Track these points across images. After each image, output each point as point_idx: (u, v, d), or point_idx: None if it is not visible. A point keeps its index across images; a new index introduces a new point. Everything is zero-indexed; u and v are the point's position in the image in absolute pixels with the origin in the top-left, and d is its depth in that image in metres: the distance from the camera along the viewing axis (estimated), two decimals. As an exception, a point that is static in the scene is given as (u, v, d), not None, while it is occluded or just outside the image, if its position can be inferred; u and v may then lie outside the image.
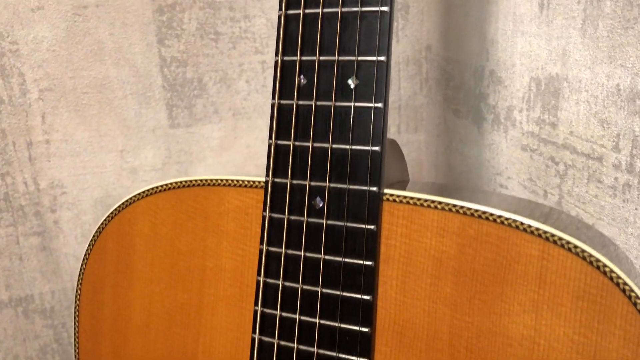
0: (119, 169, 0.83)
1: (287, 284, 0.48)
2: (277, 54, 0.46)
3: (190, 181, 0.54)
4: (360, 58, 0.42)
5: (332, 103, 0.43)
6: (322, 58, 0.44)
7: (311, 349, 0.47)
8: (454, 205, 0.44)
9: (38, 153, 0.79)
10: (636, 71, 0.54)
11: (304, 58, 0.44)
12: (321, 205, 0.45)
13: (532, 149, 0.71)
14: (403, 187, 0.52)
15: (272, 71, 0.86)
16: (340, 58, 0.43)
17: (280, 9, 0.45)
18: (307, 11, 0.44)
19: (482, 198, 0.59)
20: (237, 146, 0.88)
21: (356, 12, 0.42)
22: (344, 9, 0.43)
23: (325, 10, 0.43)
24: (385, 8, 0.41)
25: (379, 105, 0.42)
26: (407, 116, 0.95)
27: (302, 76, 0.44)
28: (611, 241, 0.48)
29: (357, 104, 0.43)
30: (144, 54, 0.80)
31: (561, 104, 0.65)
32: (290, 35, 0.45)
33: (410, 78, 0.94)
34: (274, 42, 0.83)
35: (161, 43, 0.80)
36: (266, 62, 0.85)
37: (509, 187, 0.77)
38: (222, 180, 0.52)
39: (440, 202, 0.44)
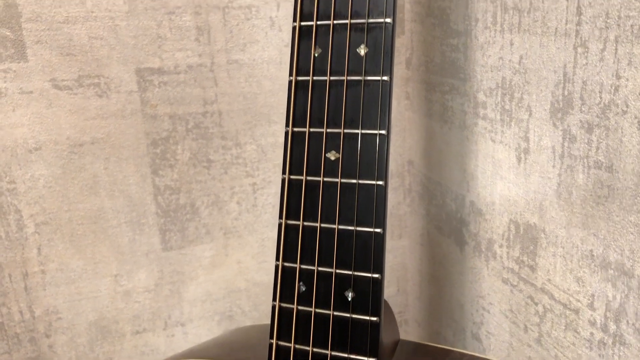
0: (112, 292, 0.85)
1: None
2: (277, 259, 0.49)
3: None
4: (356, 273, 0.46)
5: (330, 312, 0.47)
6: (320, 269, 0.47)
7: None
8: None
9: (34, 283, 0.81)
10: (608, 243, 0.58)
11: (303, 266, 0.48)
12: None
13: (512, 284, 0.75)
14: (393, 349, 0.55)
15: (262, 192, 0.89)
16: (338, 271, 0.46)
17: (280, 217, 0.48)
18: (306, 223, 0.47)
19: None
20: (228, 263, 0.90)
21: (352, 230, 0.46)
22: (340, 227, 0.46)
23: (323, 225, 0.46)
24: (379, 230, 0.45)
25: (375, 319, 0.45)
26: (392, 224, 0.99)
27: (301, 282, 0.48)
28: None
29: (354, 316, 0.46)
30: (138, 184, 0.82)
31: (539, 251, 0.69)
32: (291, 243, 0.48)
33: (394, 189, 0.97)
34: (264, 165, 0.87)
35: (155, 173, 0.83)
36: (256, 184, 0.88)
37: (491, 312, 0.81)
38: None
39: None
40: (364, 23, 0.46)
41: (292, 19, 0.83)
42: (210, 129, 0.84)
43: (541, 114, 0.64)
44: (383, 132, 0.45)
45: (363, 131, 0.46)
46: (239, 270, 0.91)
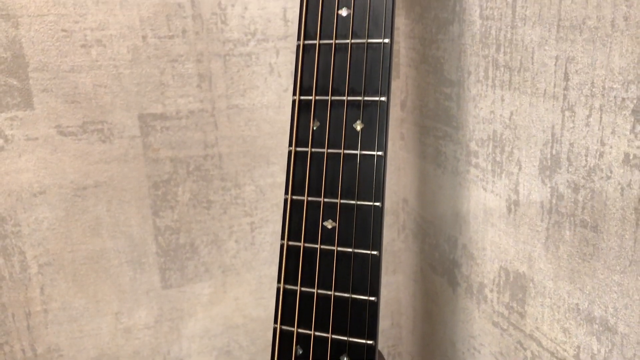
0: (113, 330, 0.87)
1: None
2: (275, 322, 0.52)
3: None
4: (351, 339, 0.48)
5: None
6: (317, 333, 0.49)
7: None
8: None
9: (36, 322, 0.83)
10: (593, 299, 0.61)
11: (300, 330, 0.50)
12: None
13: (502, 328, 0.77)
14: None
15: (260, 231, 0.91)
16: (334, 336, 0.48)
17: (278, 282, 0.51)
18: (303, 289, 0.49)
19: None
20: (226, 300, 0.92)
21: (347, 297, 0.48)
22: (336, 293, 0.48)
23: (320, 291, 0.49)
24: (373, 298, 0.47)
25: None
26: (386, 260, 1.01)
27: (298, 345, 0.50)
28: None
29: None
30: (139, 225, 0.85)
31: (528, 300, 0.71)
32: (289, 307, 0.50)
33: (388, 226, 1.00)
34: (262, 205, 0.89)
35: (156, 214, 0.85)
36: (254, 223, 0.91)
37: (481, 352, 0.83)
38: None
39: None
40: (360, 100, 0.48)
41: (290, 65, 0.86)
42: (211, 171, 0.86)
43: (530, 169, 0.67)
44: (378, 204, 0.47)
45: (359, 202, 0.48)
46: (236, 306, 0.93)
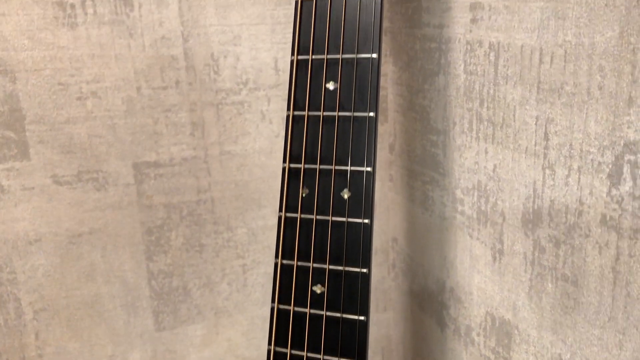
0: (107, 372, 0.88)
1: None
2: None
3: None
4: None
5: None
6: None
7: None
8: None
9: (31, 367, 0.84)
10: (574, 351, 0.63)
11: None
12: None
13: (489, 372, 0.79)
14: None
15: (252, 272, 0.93)
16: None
17: (269, 344, 0.52)
18: (293, 352, 0.51)
19: None
20: (219, 341, 0.94)
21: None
22: (325, 357, 0.50)
23: (310, 355, 0.50)
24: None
25: None
26: (377, 297, 1.03)
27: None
28: None
29: None
30: (133, 270, 0.86)
31: (513, 346, 0.73)
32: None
33: (378, 264, 1.02)
34: (254, 247, 0.90)
35: (150, 259, 0.86)
36: (246, 265, 0.92)
37: (470, 394, 0.85)
38: None
39: None
40: (346, 170, 0.50)
41: (281, 112, 0.88)
42: (203, 215, 0.88)
43: (514, 221, 0.69)
44: (365, 270, 0.49)
45: (347, 268, 0.50)
46: (229, 347, 0.95)
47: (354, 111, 0.50)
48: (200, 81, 0.82)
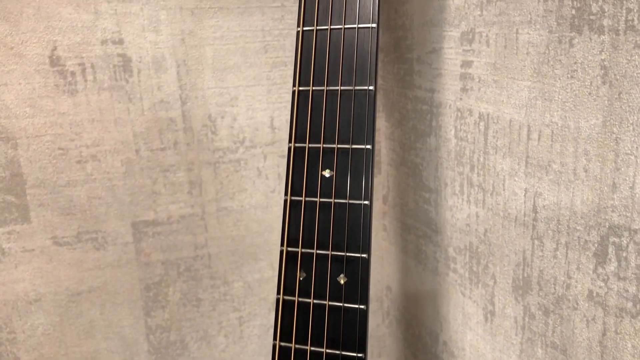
0: None
1: None
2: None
3: None
4: None
5: None
6: None
7: None
8: None
9: None
10: (565, 417, 0.64)
11: None
12: None
13: None
14: None
15: (248, 324, 0.94)
16: None
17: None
18: None
19: None
20: (216, 392, 0.95)
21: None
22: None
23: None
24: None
25: None
26: (371, 344, 1.05)
27: None
28: None
29: None
30: (132, 326, 0.87)
31: (506, 405, 0.74)
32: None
33: (373, 312, 1.03)
34: (250, 300, 0.92)
35: (148, 315, 0.88)
36: (243, 317, 0.94)
37: None
38: None
39: None
40: (343, 255, 0.52)
41: (277, 168, 0.89)
42: (200, 270, 0.89)
43: (504, 285, 0.71)
44: (361, 355, 0.51)
45: (344, 353, 0.52)
46: (226, 397, 0.96)
47: (349, 199, 0.52)
48: (198, 141, 0.84)
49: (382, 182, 0.98)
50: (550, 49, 0.58)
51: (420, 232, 0.89)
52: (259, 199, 0.90)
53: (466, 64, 0.72)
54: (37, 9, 0.74)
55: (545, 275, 0.64)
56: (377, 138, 0.96)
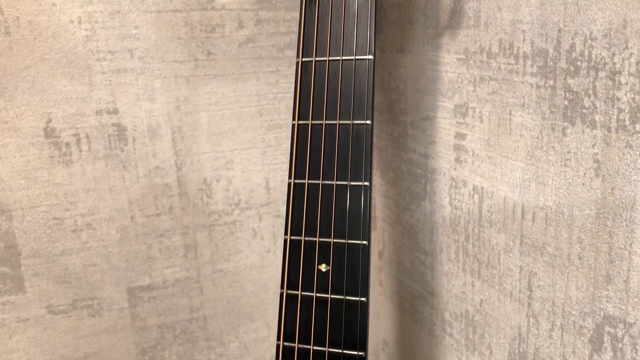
0: None
1: None
2: None
3: None
4: None
5: None
6: None
7: None
8: None
9: None
10: None
11: None
12: None
13: None
14: None
15: (244, 384, 0.94)
16: None
17: None
18: None
19: None
20: None
21: None
22: None
23: None
24: None
25: None
26: (368, 398, 1.04)
27: None
28: None
29: None
30: (127, 390, 0.87)
31: None
32: None
33: (369, 366, 1.03)
34: (247, 359, 0.91)
35: (143, 378, 0.87)
36: (239, 376, 0.93)
37: None
38: None
39: None
40: (340, 353, 0.52)
41: (272, 228, 0.89)
42: (196, 332, 0.89)
43: (501, 357, 0.71)
44: None
45: None
46: None
47: (345, 295, 0.52)
48: (193, 205, 0.84)
49: (378, 237, 0.98)
50: (543, 134, 0.59)
51: (416, 292, 0.89)
52: (254, 260, 0.90)
53: (460, 135, 0.72)
54: (32, 83, 0.74)
55: (541, 354, 0.64)
56: (372, 194, 0.96)
